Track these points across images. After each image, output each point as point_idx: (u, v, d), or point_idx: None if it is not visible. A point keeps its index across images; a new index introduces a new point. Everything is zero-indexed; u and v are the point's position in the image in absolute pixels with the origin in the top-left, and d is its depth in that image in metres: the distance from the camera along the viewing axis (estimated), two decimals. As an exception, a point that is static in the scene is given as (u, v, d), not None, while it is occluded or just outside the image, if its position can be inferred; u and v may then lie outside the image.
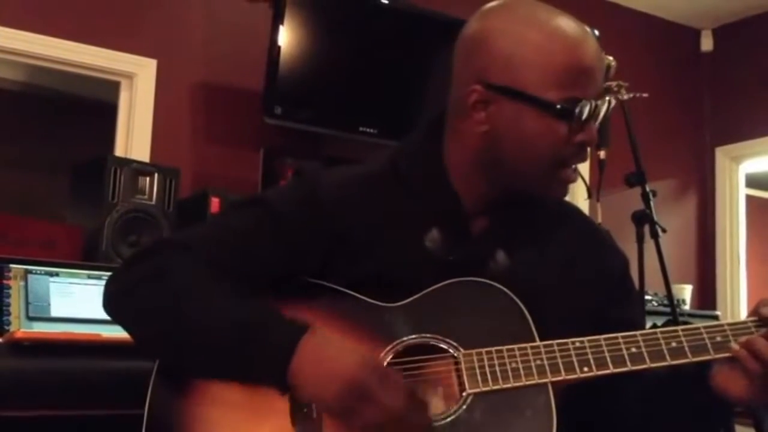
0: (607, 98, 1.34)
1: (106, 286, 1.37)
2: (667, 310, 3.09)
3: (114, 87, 3.67)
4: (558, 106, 1.29)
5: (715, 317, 4.45)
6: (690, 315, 4.02)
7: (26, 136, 5.56)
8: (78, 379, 1.79)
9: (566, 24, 1.33)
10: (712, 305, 5.11)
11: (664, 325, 3.13)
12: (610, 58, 2.73)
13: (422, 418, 1.20)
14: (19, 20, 3.35)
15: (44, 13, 3.42)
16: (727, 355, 1.25)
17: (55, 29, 3.42)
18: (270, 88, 3.55)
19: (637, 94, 2.76)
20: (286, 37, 3.56)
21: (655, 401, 1.38)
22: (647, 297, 3.38)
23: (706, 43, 5.42)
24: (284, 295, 1.35)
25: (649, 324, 3.10)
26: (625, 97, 2.79)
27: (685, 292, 4.45)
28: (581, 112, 1.30)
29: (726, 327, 1.27)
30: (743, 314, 5.13)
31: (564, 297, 1.40)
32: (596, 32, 2.69)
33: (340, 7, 3.77)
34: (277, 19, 3.55)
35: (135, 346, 1.37)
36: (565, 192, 1.41)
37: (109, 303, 1.36)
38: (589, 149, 1.37)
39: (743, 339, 1.24)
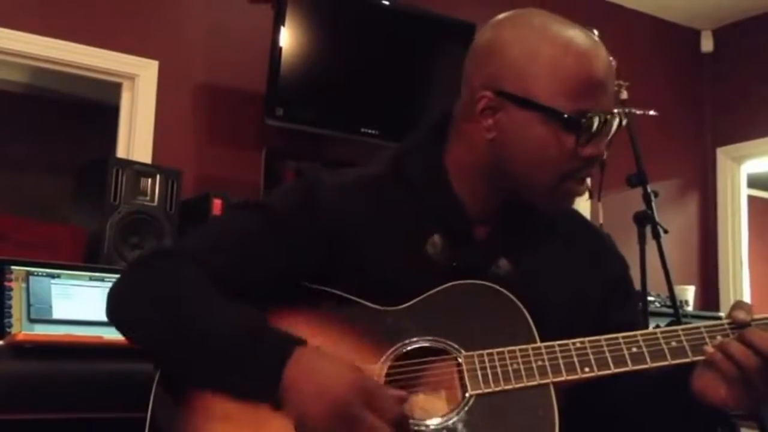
0: (617, 113, 1.33)
1: (109, 294, 1.36)
2: (670, 311, 3.09)
3: (116, 88, 3.67)
4: (566, 116, 1.29)
5: (718, 318, 4.43)
6: (693, 316, 4.00)
7: (28, 137, 5.56)
8: (79, 382, 1.79)
9: (579, 37, 1.33)
10: (715, 306, 5.11)
11: (666, 327, 3.12)
12: (611, 58, 2.73)
13: None
14: (21, 22, 3.35)
15: (46, 14, 3.42)
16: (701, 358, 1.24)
17: (57, 31, 3.42)
18: (271, 90, 3.55)
19: (647, 112, 2.76)
20: (287, 38, 3.57)
21: (653, 403, 1.38)
22: (650, 298, 3.37)
23: (707, 44, 5.41)
24: (284, 301, 1.34)
25: (652, 325, 3.10)
26: (625, 96, 2.79)
27: (688, 293, 4.44)
28: (590, 125, 1.30)
29: (726, 326, 1.26)
30: (746, 315, 5.11)
31: (564, 302, 1.40)
32: (596, 32, 2.70)
33: (342, 9, 3.78)
34: (279, 21, 3.56)
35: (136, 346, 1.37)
36: (569, 204, 1.40)
37: (111, 311, 1.36)
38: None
39: (717, 342, 1.22)
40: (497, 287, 1.33)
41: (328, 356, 1.22)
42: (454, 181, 1.40)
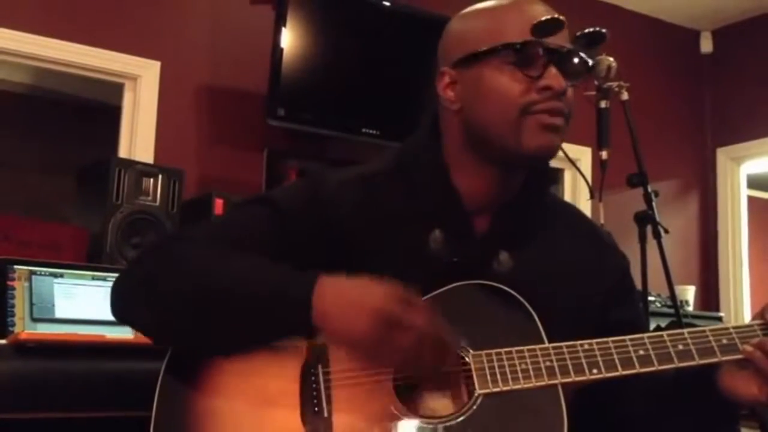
0: (559, 47, 1.33)
1: (115, 286, 1.35)
2: (671, 311, 3.09)
3: (118, 89, 3.69)
4: (500, 48, 1.33)
5: (719, 318, 4.45)
6: (693, 316, 4.01)
7: (31, 138, 5.57)
8: (82, 381, 1.79)
9: None
10: (716, 306, 5.12)
11: (667, 326, 3.12)
12: (611, 59, 2.73)
13: (451, 336, 1.21)
14: (24, 23, 3.36)
15: (49, 15, 3.43)
16: (736, 357, 1.26)
17: (59, 32, 3.43)
18: (273, 90, 3.56)
19: (623, 86, 2.76)
20: (288, 39, 3.58)
21: (658, 403, 1.39)
22: (650, 298, 3.37)
23: (706, 45, 5.43)
24: None
25: (652, 325, 3.10)
26: (626, 97, 2.79)
27: (688, 293, 4.45)
28: (525, 51, 1.32)
29: (732, 330, 1.28)
30: (746, 314, 5.14)
31: (565, 297, 1.40)
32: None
33: (343, 9, 3.79)
34: (280, 22, 3.57)
35: (153, 336, 1.34)
36: (546, 140, 1.34)
37: (120, 299, 1.34)
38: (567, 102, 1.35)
39: (756, 341, 1.25)
40: (505, 288, 1.33)
41: (352, 278, 1.23)
42: (454, 175, 1.41)
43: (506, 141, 1.35)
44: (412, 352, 1.17)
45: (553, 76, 1.32)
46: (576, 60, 1.35)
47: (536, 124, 1.33)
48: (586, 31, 1.34)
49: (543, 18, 1.32)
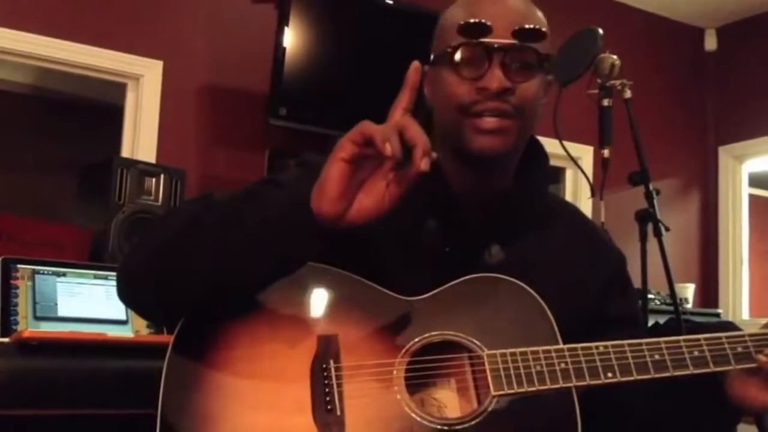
0: (490, 43, 1.32)
1: (118, 274, 1.33)
2: (670, 308, 3.09)
3: (120, 89, 3.70)
4: (439, 54, 1.38)
5: (717, 315, 4.46)
6: (692, 313, 4.02)
7: (34, 137, 5.58)
8: (84, 379, 1.80)
9: None
10: (715, 304, 5.12)
11: (666, 324, 3.13)
12: (614, 57, 2.74)
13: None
14: (26, 23, 3.38)
15: (51, 15, 3.45)
16: (751, 365, 1.26)
17: (62, 32, 3.44)
18: (275, 90, 3.57)
19: (626, 84, 2.76)
20: (291, 38, 3.58)
21: (661, 402, 1.39)
22: (650, 296, 3.38)
23: (710, 43, 5.43)
24: (302, 279, 1.31)
25: (651, 322, 3.10)
26: (629, 95, 2.79)
27: (688, 291, 4.45)
28: (457, 55, 1.33)
29: (747, 338, 1.28)
30: (745, 313, 5.14)
31: (559, 292, 1.39)
32: (600, 31, 2.72)
33: (345, 9, 3.80)
34: (282, 21, 3.58)
35: (167, 295, 1.28)
36: (482, 143, 1.35)
37: (127, 274, 1.31)
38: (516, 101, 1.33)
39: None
40: (519, 283, 1.33)
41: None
42: (445, 168, 1.41)
43: (454, 141, 1.37)
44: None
45: (491, 76, 1.32)
46: (520, 55, 1.33)
47: (472, 126, 1.34)
48: (526, 26, 1.31)
49: (465, 21, 1.31)
